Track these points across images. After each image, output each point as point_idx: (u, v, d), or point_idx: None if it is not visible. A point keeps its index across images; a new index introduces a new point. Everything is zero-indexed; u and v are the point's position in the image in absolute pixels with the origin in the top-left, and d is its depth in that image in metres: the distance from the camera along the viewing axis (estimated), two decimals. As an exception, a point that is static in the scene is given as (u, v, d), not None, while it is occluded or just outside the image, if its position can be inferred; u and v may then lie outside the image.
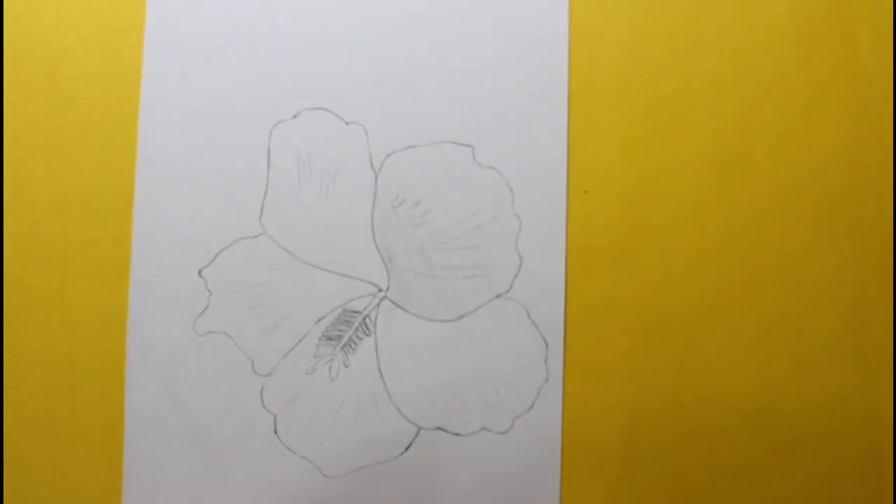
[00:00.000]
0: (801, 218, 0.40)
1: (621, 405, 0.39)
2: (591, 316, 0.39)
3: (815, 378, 0.40)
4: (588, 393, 0.39)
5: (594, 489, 0.39)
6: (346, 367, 0.39)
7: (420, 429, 0.39)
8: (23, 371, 0.39)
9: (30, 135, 0.40)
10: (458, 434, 0.39)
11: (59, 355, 0.39)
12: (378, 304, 0.39)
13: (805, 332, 0.40)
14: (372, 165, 0.40)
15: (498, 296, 0.39)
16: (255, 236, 0.39)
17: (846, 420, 0.39)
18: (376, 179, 0.40)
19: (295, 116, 0.40)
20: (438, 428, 0.39)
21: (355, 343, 0.39)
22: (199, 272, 0.39)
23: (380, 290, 0.39)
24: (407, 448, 0.39)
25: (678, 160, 0.40)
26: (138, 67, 0.40)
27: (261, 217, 0.39)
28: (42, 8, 0.40)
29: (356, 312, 0.39)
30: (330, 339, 0.39)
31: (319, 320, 0.39)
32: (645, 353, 0.39)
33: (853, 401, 0.40)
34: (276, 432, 0.39)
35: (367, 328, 0.39)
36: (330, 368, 0.39)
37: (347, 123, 0.40)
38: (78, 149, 0.40)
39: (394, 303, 0.39)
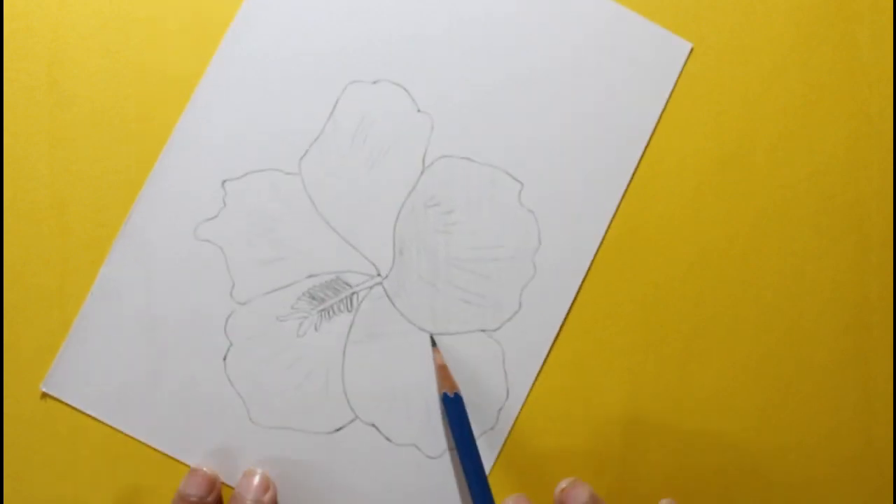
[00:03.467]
0: (801, 218, 0.40)
1: (621, 405, 0.39)
2: (590, 315, 0.39)
3: (815, 378, 0.40)
4: (588, 393, 0.39)
5: (594, 489, 0.38)
6: (316, 330, 0.39)
7: (357, 418, 0.38)
8: (23, 370, 0.39)
9: (30, 135, 0.40)
10: (388, 439, 0.38)
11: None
12: (371, 288, 0.39)
13: (805, 332, 0.40)
14: (424, 159, 0.40)
15: (483, 330, 0.39)
16: (289, 173, 0.39)
17: (846, 420, 0.39)
18: (422, 173, 0.40)
19: (374, 82, 0.40)
20: (373, 425, 0.39)
21: (334, 313, 0.39)
22: (223, 183, 0.39)
23: (379, 274, 0.39)
24: (337, 430, 0.38)
25: (678, 160, 0.40)
26: (138, 67, 0.40)
27: (302, 159, 0.39)
28: (42, 8, 0.40)
29: (348, 285, 0.39)
30: (313, 298, 0.39)
31: (311, 276, 0.39)
32: (645, 353, 0.39)
33: (853, 401, 0.40)
34: (224, 359, 0.39)
35: (351, 304, 0.39)
36: (300, 325, 0.39)
37: (419, 110, 0.40)
38: (78, 149, 0.40)
39: (386, 293, 0.39)
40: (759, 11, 0.41)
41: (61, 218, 0.39)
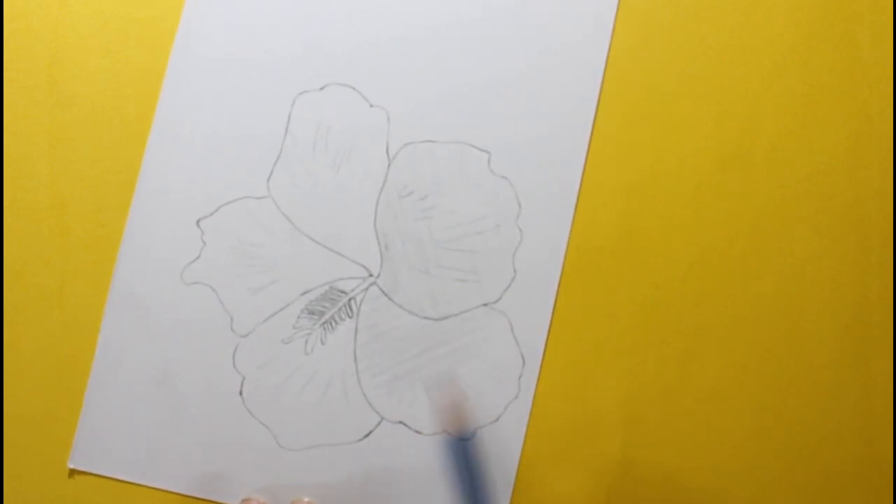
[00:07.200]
0: (801, 218, 0.40)
1: (621, 405, 0.39)
2: (591, 315, 0.39)
3: (816, 378, 0.40)
4: (587, 394, 0.39)
5: (594, 490, 0.39)
6: (322, 343, 0.39)
7: (383, 419, 0.39)
8: (23, 371, 0.39)
9: (30, 135, 0.40)
10: (418, 432, 0.39)
11: (59, 355, 0.39)
12: (366, 289, 0.39)
13: (805, 332, 0.40)
14: (387, 151, 0.40)
15: (485, 304, 0.39)
16: (260, 198, 0.39)
17: (846, 420, 0.39)
18: (389, 166, 0.40)
19: (322, 88, 0.40)
20: (401, 422, 0.39)
21: (336, 322, 0.39)
22: (198, 222, 0.39)
23: (371, 275, 0.39)
24: (366, 436, 0.39)
25: (678, 160, 0.40)
26: (139, 66, 0.40)
27: (269, 180, 0.39)
28: (42, 8, 0.40)
29: (343, 292, 0.39)
30: (312, 313, 0.39)
31: (305, 293, 0.39)
32: (645, 353, 0.39)
33: (853, 401, 0.40)
34: (241, 393, 0.39)
35: (351, 310, 0.39)
36: (306, 342, 0.39)
37: (371, 106, 0.40)
38: (78, 149, 0.40)
39: (382, 290, 0.39)
40: (759, 11, 0.41)
41: (61, 218, 0.39)
